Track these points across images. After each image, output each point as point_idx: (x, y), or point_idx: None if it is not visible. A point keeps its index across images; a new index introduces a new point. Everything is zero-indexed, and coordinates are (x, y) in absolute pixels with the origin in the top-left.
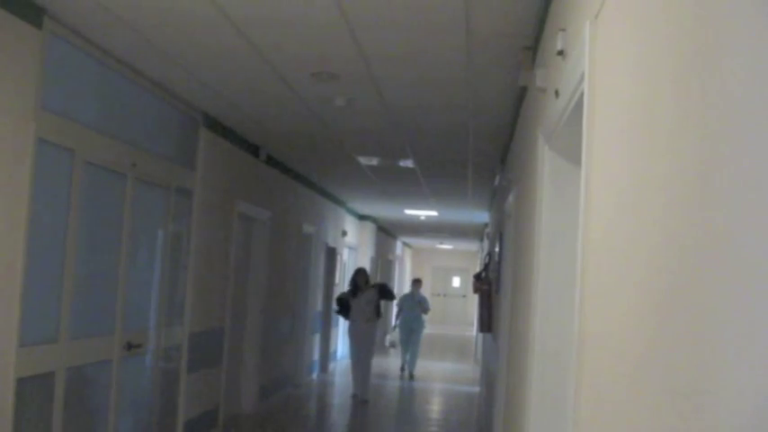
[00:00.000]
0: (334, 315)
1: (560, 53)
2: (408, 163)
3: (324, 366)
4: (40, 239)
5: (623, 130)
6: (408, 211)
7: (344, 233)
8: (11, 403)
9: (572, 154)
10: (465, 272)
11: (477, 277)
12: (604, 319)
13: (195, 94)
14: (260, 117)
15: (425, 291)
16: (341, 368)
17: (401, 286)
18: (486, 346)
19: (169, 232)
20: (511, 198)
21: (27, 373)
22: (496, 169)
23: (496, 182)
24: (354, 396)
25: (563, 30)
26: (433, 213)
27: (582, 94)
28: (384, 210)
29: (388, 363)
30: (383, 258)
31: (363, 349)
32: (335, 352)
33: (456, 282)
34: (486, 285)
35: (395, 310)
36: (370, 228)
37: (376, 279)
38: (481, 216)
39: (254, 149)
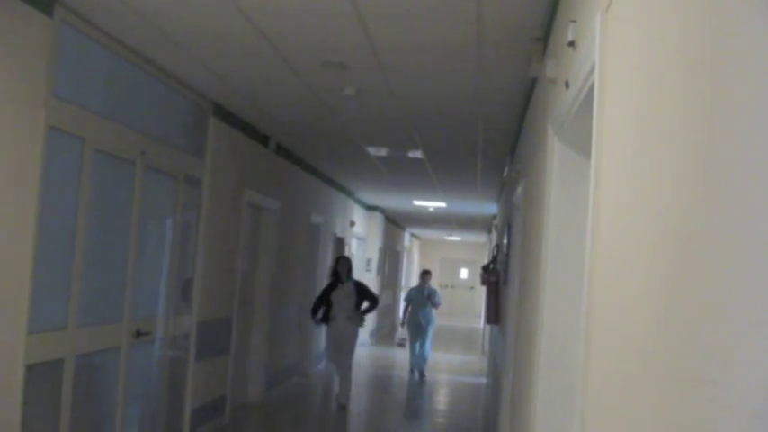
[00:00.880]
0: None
1: (571, 44)
2: (417, 154)
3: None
4: (49, 227)
5: (633, 121)
6: (417, 202)
7: (353, 224)
8: (20, 389)
9: (581, 146)
10: (473, 263)
11: (485, 269)
12: (612, 310)
13: (205, 83)
14: (269, 107)
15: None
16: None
17: (408, 278)
18: (494, 337)
19: (178, 221)
20: (519, 190)
21: (36, 360)
22: (505, 161)
23: (505, 173)
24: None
25: (574, 21)
26: (442, 204)
27: (592, 86)
28: (392, 200)
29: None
30: (391, 249)
31: (344, 352)
32: None
33: (464, 273)
34: (494, 277)
35: (402, 304)
36: (378, 218)
37: (384, 270)
38: (489, 208)
39: (263, 139)
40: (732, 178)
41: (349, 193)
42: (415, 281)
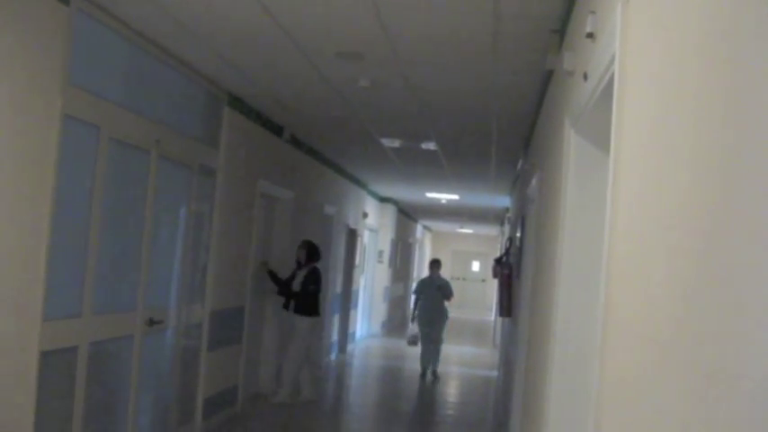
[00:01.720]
0: (354, 295)
1: (590, 36)
2: (431, 145)
3: (342, 347)
4: (64, 215)
5: (654, 113)
6: (429, 195)
7: (365, 215)
8: (35, 376)
9: (599, 138)
10: (485, 256)
11: (498, 262)
12: (631, 304)
13: (220, 72)
14: (284, 97)
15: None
16: (360, 349)
17: (420, 270)
18: (505, 330)
19: (192, 210)
20: (534, 182)
21: (51, 347)
22: (520, 153)
23: (519, 166)
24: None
25: (593, 12)
26: (455, 197)
27: (611, 78)
28: (405, 192)
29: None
30: (403, 241)
31: (288, 347)
32: (354, 333)
33: (476, 266)
34: (507, 270)
35: (412, 298)
36: (390, 210)
37: (396, 262)
38: (502, 200)
39: (277, 129)
40: (754, 170)
41: (362, 185)
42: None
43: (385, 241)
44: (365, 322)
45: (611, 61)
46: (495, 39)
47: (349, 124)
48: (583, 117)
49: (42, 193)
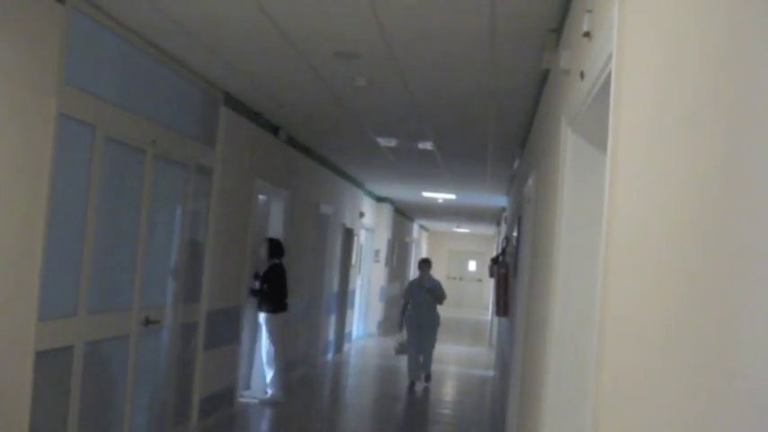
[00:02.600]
0: (350, 294)
1: (586, 35)
2: (427, 145)
3: (339, 347)
4: (60, 214)
5: (651, 111)
6: (426, 194)
7: (362, 214)
8: (30, 376)
9: (595, 137)
10: (481, 256)
11: (494, 261)
12: (629, 303)
13: (216, 72)
14: (280, 96)
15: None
16: (356, 349)
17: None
18: (502, 330)
19: (188, 210)
20: (531, 182)
21: (46, 347)
22: (516, 152)
23: (516, 165)
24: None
25: (589, 11)
26: (451, 196)
27: (608, 76)
28: (402, 192)
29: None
30: (399, 241)
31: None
32: (351, 333)
33: (472, 266)
34: (503, 269)
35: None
36: (387, 210)
37: (392, 261)
38: (499, 200)
39: (273, 129)
40: (752, 169)
41: (359, 184)
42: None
43: (381, 241)
44: (361, 322)
45: (608, 60)
46: (491, 38)
47: (345, 123)
48: (579, 116)
49: (38, 193)
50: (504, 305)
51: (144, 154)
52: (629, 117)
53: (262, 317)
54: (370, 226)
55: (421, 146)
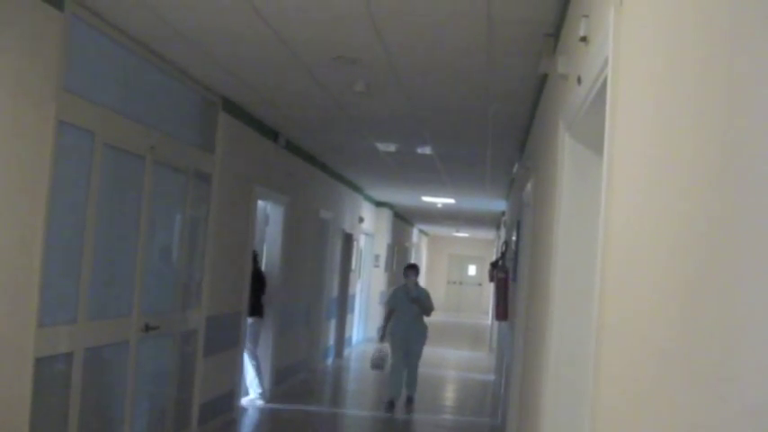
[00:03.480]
0: (350, 299)
1: (583, 39)
2: (426, 150)
3: (339, 352)
4: (59, 221)
5: (647, 116)
6: (425, 199)
7: (361, 220)
8: (30, 382)
9: (593, 142)
10: (481, 260)
11: (494, 265)
12: (626, 308)
13: (215, 77)
14: (279, 102)
15: (439, 279)
16: (356, 354)
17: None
18: (502, 334)
19: (187, 216)
20: (529, 186)
21: (45, 354)
22: (515, 157)
23: (515, 170)
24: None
25: (586, 16)
26: (451, 201)
27: (605, 81)
28: (401, 197)
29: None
30: (399, 246)
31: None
32: (351, 337)
33: (472, 270)
34: (503, 274)
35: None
36: (386, 214)
37: (392, 266)
38: (498, 204)
39: (272, 134)
40: (749, 174)
41: (358, 189)
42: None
43: (381, 245)
44: (361, 327)
45: (605, 65)
46: (489, 43)
47: (344, 129)
48: (577, 120)
49: (37, 199)
50: (503, 309)
51: (143, 160)
52: (624, 122)
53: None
54: (370, 231)
55: (420, 151)
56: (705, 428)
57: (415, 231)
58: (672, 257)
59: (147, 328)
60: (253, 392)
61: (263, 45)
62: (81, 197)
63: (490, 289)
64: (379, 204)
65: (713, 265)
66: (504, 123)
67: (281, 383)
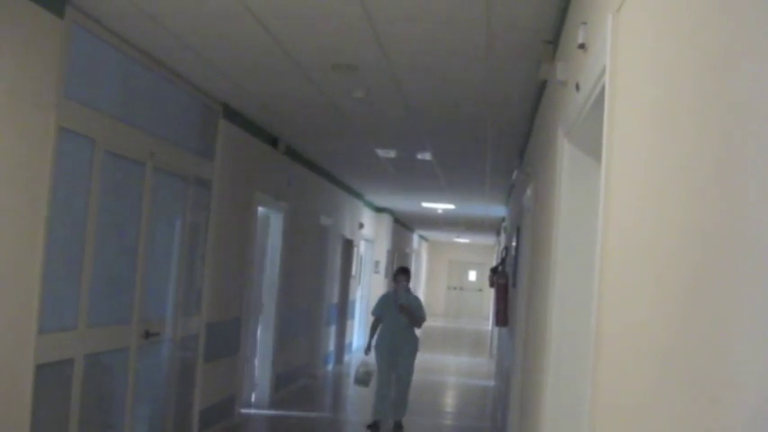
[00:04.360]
0: (350, 305)
1: (581, 46)
2: (426, 156)
3: (339, 358)
4: (60, 227)
5: (644, 123)
6: (425, 204)
7: (361, 225)
8: (30, 389)
9: (592, 148)
10: (481, 266)
11: (494, 271)
12: (623, 313)
13: (215, 84)
14: (279, 108)
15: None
16: (356, 359)
17: (417, 280)
18: (502, 340)
19: (187, 222)
20: (529, 192)
21: (46, 360)
22: (514, 163)
23: (514, 176)
24: None
25: (584, 23)
26: (451, 207)
27: (603, 88)
28: (401, 202)
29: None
30: (399, 251)
31: None
32: (351, 343)
33: (472, 275)
34: (503, 279)
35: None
36: (386, 220)
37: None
38: (498, 210)
39: (272, 141)
40: (747, 180)
41: (358, 195)
42: (423, 287)
43: (381, 251)
44: (362, 333)
45: (603, 71)
46: (488, 50)
47: (344, 135)
48: (576, 127)
49: (37, 206)
50: (503, 315)
51: (143, 167)
52: (622, 128)
53: None
54: (370, 237)
55: (420, 157)
56: None
57: (415, 237)
58: (669, 263)
59: (148, 334)
60: None
61: (262, 52)
62: (81, 204)
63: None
64: (379, 210)
65: (710, 270)
66: (504, 129)
67: (282, 389)
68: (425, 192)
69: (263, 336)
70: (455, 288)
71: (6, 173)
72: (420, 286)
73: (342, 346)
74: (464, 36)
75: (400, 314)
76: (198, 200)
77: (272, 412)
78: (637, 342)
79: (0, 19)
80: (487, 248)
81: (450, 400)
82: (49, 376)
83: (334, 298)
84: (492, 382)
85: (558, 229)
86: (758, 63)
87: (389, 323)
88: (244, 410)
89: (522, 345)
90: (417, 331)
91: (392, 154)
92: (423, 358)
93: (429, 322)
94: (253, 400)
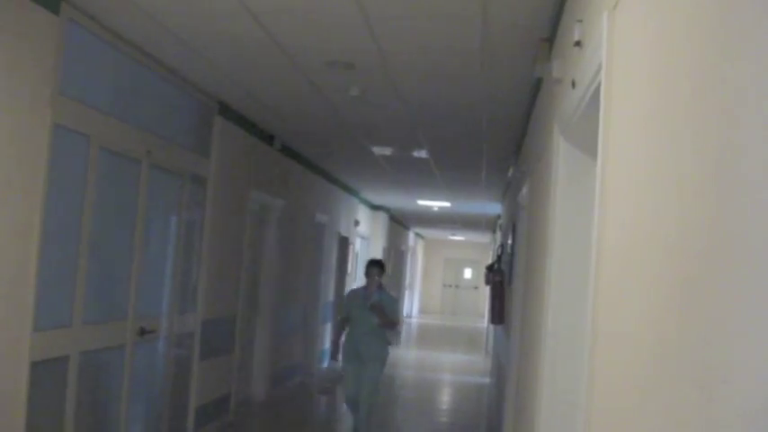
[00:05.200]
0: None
1: (577, 44)
2: (422, 153)
3: (334, 355)
4: (54, 224)
5: (640, 121)
6: (421, 202)
7: (357, 223)
8: (25, 386)
9: (587, 146)
10: (477, 263)
11: (490, 269)
12: (619, 313)
13: (211, 81)
14: (275, 106)
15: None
16: None
17: (413, 278)
18: (498, 337)
19: (183, 219)
20: (525, 190)
21: (41, 357)
22: (510, 160)
23: (510, 173)
24: None
25: (580, 21)
26: (446, 204)
27: (599, 85)
28: (397, 200)
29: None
30: (395, 249)
31: None
32: None
33: (468, 273)
34: (499, 277)
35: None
36: (382, 218)
37: (388, 270)
38: (494, 207)
39: (268, 138)
40: (744, 177)
41: (354, 193)
42: (418, 284)
43: (377, 249)
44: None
45: (598, 69)
46: (484, 47)
47: (340, 133)
48: (572, 124)
49: (32, 203)
50: (499, 313)
51: (139, 164)
52: (618, 126)
53: None
54: (366, 234)
55: (416, 154)
56: (699, 431)
57: (410, 235)
58: (666, 260)
59: (143, 331)
60: None
61: (258, 49)
62: (77, 201)
63: (486, 292)
64: (374, 208)
65: (707, 267)
66: (500, 127)
67: (278, 386)
68: (421, 189)
69: (259, 333)
70: (451, 286)
71: (1, 170)
72: (416, 284)
73: (337, 344)
74: (460, 34)
75: (370, 314)
76: (193, 197)
77: (268, 409)
78: (633, 337)
79: None
80: (483, 246)
81: (445, 398)
82: (44, 374)
83: (330, 295)
84: (488, 380)
85: (554, 227)
86: (754, 60)
87: (356, 324)
88: (239, 408)
89: (518, 342)
90: (389, 335)
91: (388, 151)
92: (419, 356)
93: (425, 319)
94: (249, 397)
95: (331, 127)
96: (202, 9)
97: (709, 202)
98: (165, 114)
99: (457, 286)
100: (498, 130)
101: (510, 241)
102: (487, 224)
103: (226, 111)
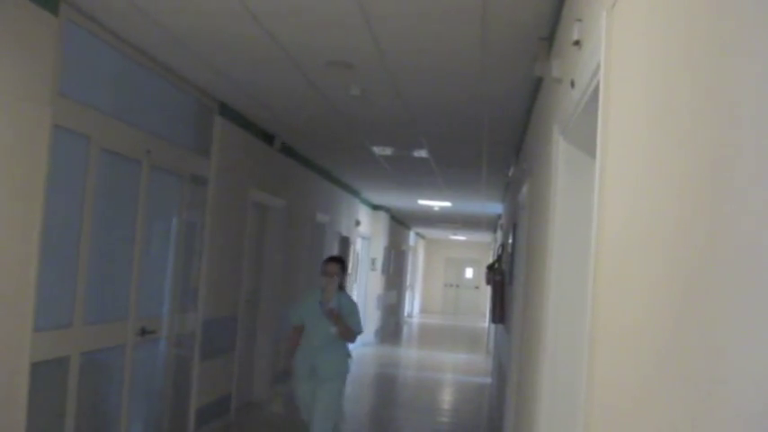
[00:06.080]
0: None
1: (576, 43)
2: (422, 153)
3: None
4: (55, 225)
5: (639, 120)
6: (422, 202)
7: (358, 223)
8: (26, 387)
9: (587, 145)
10: (478, 263)
11: (490, 268)
12: (618, 311)
13: (211, 82)
14: (275, 106)
15: (436, 282)
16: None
17: (414, 278)
18: (499, 337)
19: (183, 219)
20: (525, 189)
21: (41, 358)
22: (511, 160)
23: (510, 173)
24: None
25: (579, 20)
26: (447, 204)
27: (598, 85)
28: (397, 200)
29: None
30: (396, 249)
31: None
32: None
33: (469, 273)
34: (499, 276)
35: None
36: (383, 218)
37: (389, 270)
38: (495, 207)
39: (268, 138)
40: (742, 177)
41: (354, 193)
42: (419, 284)
43: (378, 249)
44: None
45: (597, 68)
46: (484, 47)
47: (340, 132)
48: (571, 124)
49: (32, 203)
50: (500, 312)
51: (139, 164)
52: (617, 126)
53: None
54: (367, 234)
55: (416, 154)
56: (698, 431)
57: (411, 234)
58: (665, 260)
59: (144, 331)
60: None
61: (258, 49)
62: (77, 201)
63: (487, 292)
64: (375, 207)
65: (706, 267)
66: (500, 127)
67: (278, 386)
68: (422, 189)
69: (259, 333)
70: (452, 285)
71: (1, 170)
72: (417, 283)
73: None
74: (460, 33)
75: (326, 322)
76: (194, 197)
77: (269, 410)
78: (632, 337)
79: None
80: (484, 246)
81: (446, 398)
82: (45, 374)
83: None
84: (489, 380)
85: (554, 226)
86: (753, 59)
87: (310, 333)
88: (240, 408)
89: (519, 342)
90: (349, 348)
91: (388, 151)
92: (420, 355)
93: (426, 319)
94: (249, 398)
95: (331, 126)
96: (202, 9)
97: (708, 201)
98: (164, 114)
99: (458, 286)
100: (498, 130)
101: (510, 240)
102: (488, 224)
103: (226, 111)
